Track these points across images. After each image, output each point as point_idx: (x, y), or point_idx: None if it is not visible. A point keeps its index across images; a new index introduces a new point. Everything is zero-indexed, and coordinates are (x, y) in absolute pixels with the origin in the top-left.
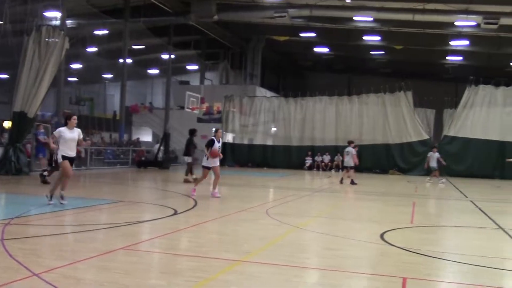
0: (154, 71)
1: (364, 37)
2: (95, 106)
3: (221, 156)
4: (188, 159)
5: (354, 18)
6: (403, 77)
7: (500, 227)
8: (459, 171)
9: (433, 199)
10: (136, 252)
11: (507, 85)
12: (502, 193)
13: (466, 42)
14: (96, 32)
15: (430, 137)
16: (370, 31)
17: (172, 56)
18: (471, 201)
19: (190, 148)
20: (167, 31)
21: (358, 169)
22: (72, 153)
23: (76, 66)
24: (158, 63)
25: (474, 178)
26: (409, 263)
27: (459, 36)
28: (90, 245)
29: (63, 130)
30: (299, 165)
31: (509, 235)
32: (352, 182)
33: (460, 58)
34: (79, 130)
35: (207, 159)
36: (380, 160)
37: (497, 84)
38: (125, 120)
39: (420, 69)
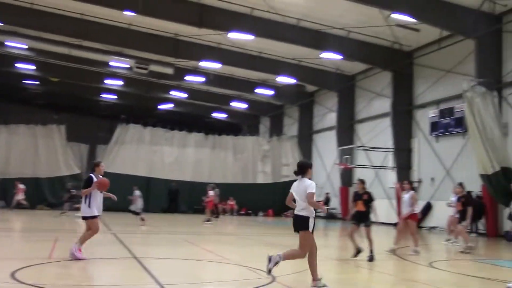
0: None
1: (17, 65)
2: None
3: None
4: None
5: (6, 43)
6: (58, 110)
7: (135, 257)
8: (109, 205)
9: (78, 234)
10: None
11: (154, 126)
12: (145, 226)
13: (120, 82)
14: None
15: (82, 172)
16: (24, 59)
17: None
18: (113, 233)
19: None
20: None
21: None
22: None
23: None
24: None
25: (121, 211)
26: None
27: (114, 76)
28: None
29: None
30: None
31: (142, 264)
32: None
33: (115, 96)
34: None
35: (89, 205)
36: (28, 194)
37: (145, 124)
38: None
39: (76, 104)
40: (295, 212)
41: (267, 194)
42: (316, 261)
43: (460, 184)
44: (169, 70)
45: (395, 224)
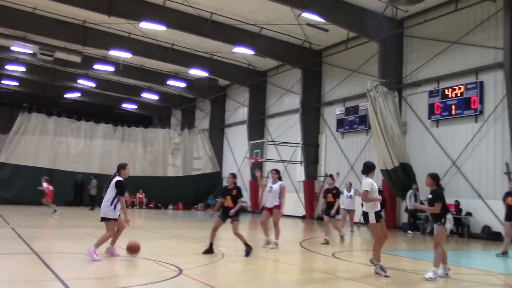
0: None
1: None
2: None
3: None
4: None
5: None
6: None
7: (35, 252)
8: (8, 198)
9: None
10: None
11: (59, 116)
12: (46, 220)
13: (23, 69)
14: None
15: None
16: None
17: None
18: (12, 228)
19: None
20: None
21: None
22: None
23: None
24: None
25: (23, 205)
26: None
27: (16, 61)
28: None
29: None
30: None
31: (42, 259)
32: None
33: (16, 83)
34: None
35: (115, 207)
36: None
37: (49, 114)
38: None
39: None
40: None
41: (178, 187)
42: (380, 247)
43: (331, 176)
44: (76, 58)
45: (303, 217)
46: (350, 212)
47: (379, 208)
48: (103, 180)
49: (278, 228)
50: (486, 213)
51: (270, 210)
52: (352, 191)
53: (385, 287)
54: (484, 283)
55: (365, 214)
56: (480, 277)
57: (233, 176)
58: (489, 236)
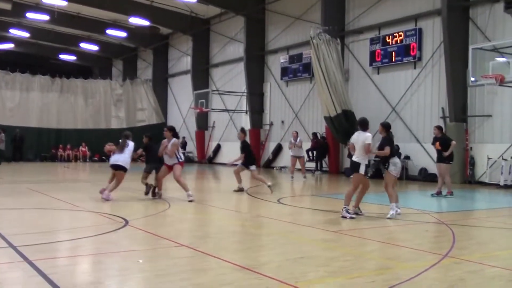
0: None
1: None
2: None
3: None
4: None
5: None
6: None
7: None
8: None
9: None
10: None
11: None
12: None
13: None
14: None
15: None
16: None
17: None
18: None
19: None
20: None
21: None
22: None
23: None
24: None
25: None
26: None
27: None
28: None
29: None
30: None
31: None
32: None
33: None
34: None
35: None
36: None
37: None
38: None
39: None
40: (353, 158)
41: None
42: (362, 196)
43: (242, 130)
44: (6, 6)
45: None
46: (300, 158)
47: (367, 161)
48: (46, 134)
49: (182, 182)
50: (423, 156)
51: (170, 167)
52: (298, 139)
53: (326, 228)
54: (419, 221)
55: (355, 164)
56: (416, 216)
57: (147, 137)
58: (426, 177)
